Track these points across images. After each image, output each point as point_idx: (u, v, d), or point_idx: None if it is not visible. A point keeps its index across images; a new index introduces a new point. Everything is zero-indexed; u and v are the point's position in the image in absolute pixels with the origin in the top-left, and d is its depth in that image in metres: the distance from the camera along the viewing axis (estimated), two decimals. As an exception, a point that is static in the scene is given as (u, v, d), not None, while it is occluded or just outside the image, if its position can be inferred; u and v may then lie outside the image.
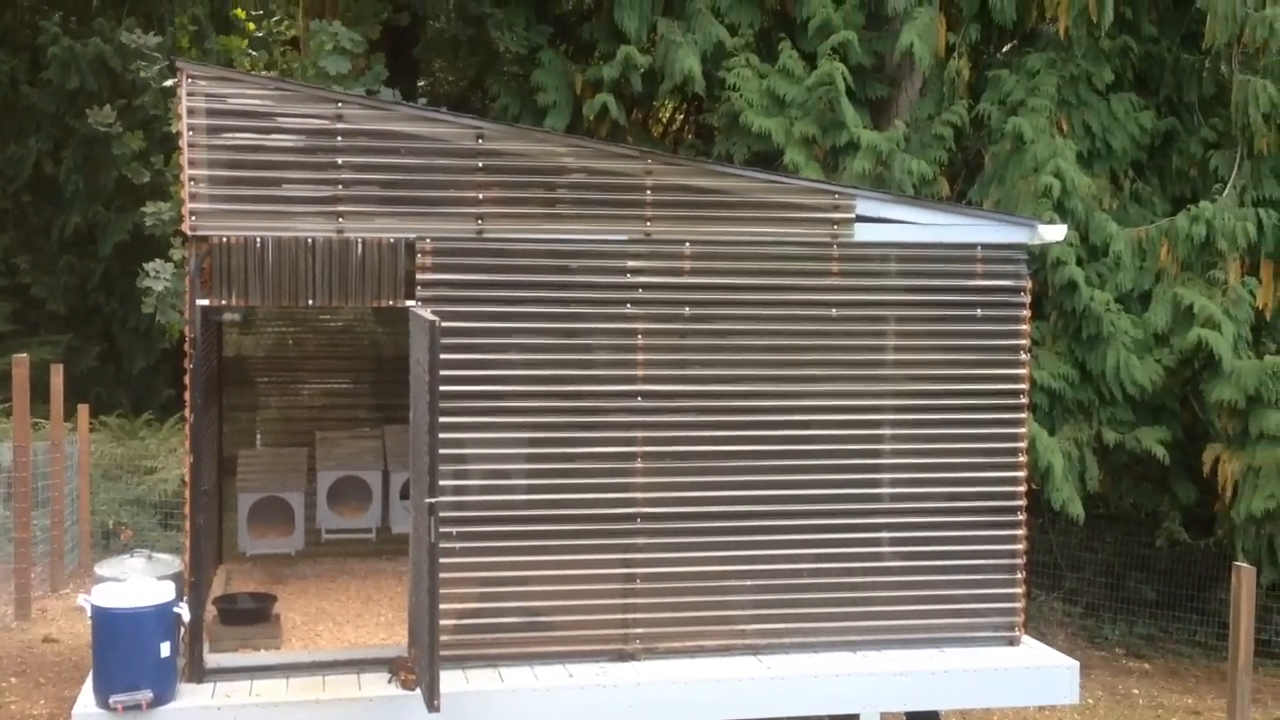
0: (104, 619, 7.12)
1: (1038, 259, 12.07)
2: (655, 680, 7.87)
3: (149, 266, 12.84)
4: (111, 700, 7.03)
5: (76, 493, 12.41)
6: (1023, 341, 8.65)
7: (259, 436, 10.52)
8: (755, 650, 8.26)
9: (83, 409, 12.79)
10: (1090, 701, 11.35)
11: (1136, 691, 12.10)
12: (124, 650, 7.05)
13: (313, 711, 7.33)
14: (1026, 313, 8.64)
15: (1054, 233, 8.62)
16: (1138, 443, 12.84)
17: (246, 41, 19.79)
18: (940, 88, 13.95)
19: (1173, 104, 14.53)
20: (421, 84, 19.26)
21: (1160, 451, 12.75)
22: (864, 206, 8.41)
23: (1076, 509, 12.38)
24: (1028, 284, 8.64)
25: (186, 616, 7.34)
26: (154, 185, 16.73)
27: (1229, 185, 13.45)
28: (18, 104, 18.23)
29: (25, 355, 10.58)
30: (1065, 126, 13.64)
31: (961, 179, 14.33)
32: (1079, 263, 12.67)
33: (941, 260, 8.51)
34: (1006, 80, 13.64)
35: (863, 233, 8.38)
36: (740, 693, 7.94)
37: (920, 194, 12.53)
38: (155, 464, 14.31)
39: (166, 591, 7.28)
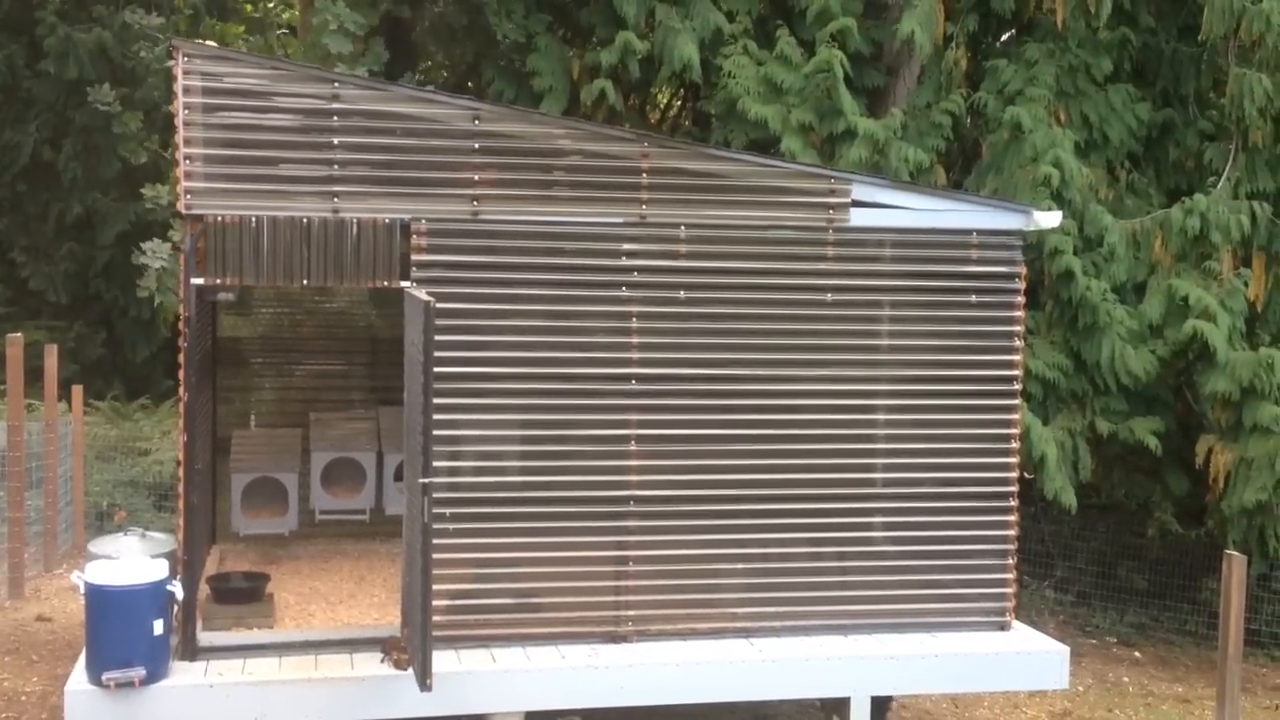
0: (97, 596, 7.13)
1: (1034, 248, 12.08)
2: (647, 662, 7.90)
3: (146, 245, 12.85)
4: (104, 677, 7.03)
5: (71, 474, 12.40)
6: (1017, 328, 8.67)
7: (253, 417, 10.52)
8: (747, 633, 8.29)
9: (77, 390, 12.78)
10: (1080, 689, 11.37)
11: (1127, 679, 12.13)
12: (117, 627, 7.06)
13: (305, 690, 7.35)
14: (1021, 299, 8.66)
15: (1049, 219, 8.64)
16: (1131, 433, 12.85)
17: (244, 27, 19.78)
18: (938, 76, 13.96)
19: (1169, 96, 14.54)
20: (421, 69, 19.21)
21: (1153, 442, 12.77)
22: (860, 191, 8.43)
23: (1069, 498, 12.41)
24: (1023, 270, 8.66)
25: (180, 594, 7.36)
26: (153, 169, 16.74)
27: (1223, 178, 13.46)
28: (16, 91, 18.17)
29: (19, 335, 10.55)
30: (1063, 117, 13.65)
31: (958, 168, 14.33)
32: (1076, 252, 12.68)
33: (937, 246, 8.53)
34: (1004, 70, 13.66)
35: (858, 218, 8.40)
36: (731, 675, 7.97)
37: (916, 182, 12.53)
38: (149, 446, 14.32)
39: (160, 569, 7.29)
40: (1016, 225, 8.61)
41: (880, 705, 8.37)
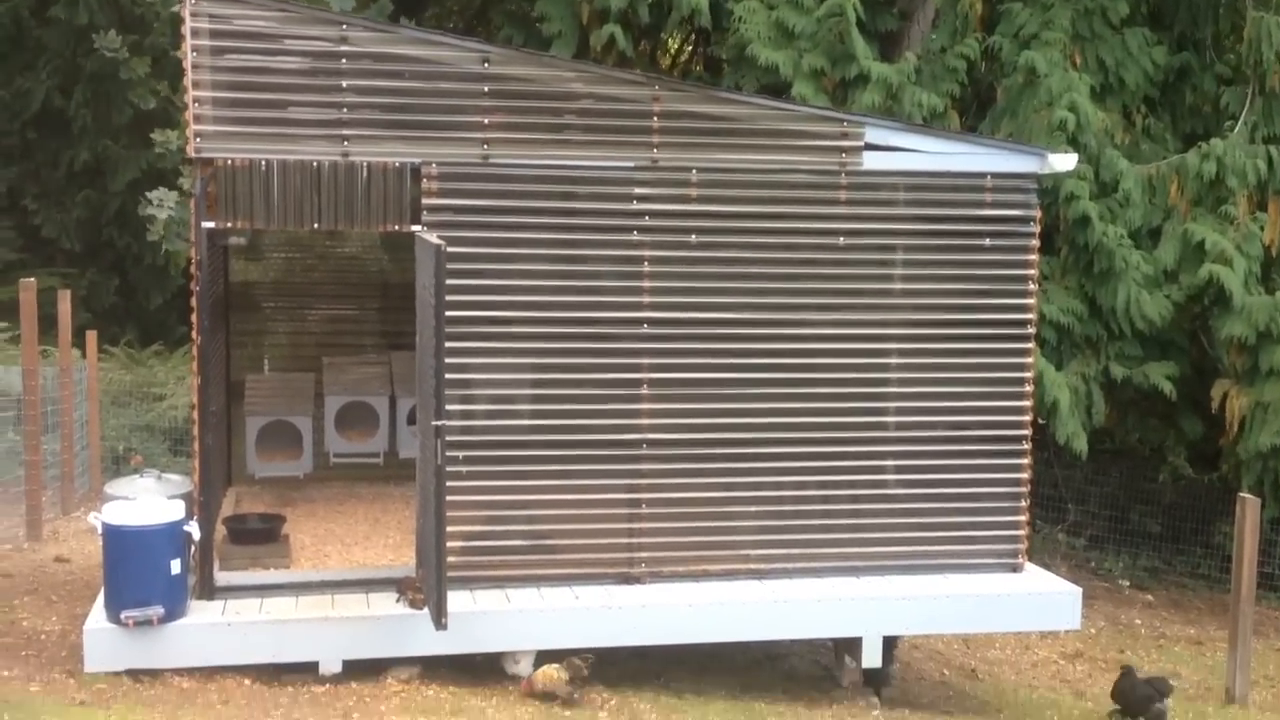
0: (115, 536, 7.21)
1: (1049, 193, 12.02)
2: (660, 603, 7.96)
3: (152, 195, 12.84)
4: (123, 615, 7.12)
5: (86, 418, 12.47)
6: (1031, 272, 8.64)
7: (266, 362, 10.57)
8: (759, 574, 8.33)
9: (91, 335, 12.81)
10: (1092, 631, 11.44)
11: (1139, 622, 12.19)
12: (135, 567, 7.14)
13: (322, 629, 7.43)
14: (1035, 243, 8.62)
15: (1064, 162, 8.58)
16: (1145, 378, 12.85)
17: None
18: (953, 20, 13.83)
19: (1186, 39, 14.40)
20: (429, 14, 19.08)
21: (1167, 387, 12.77)
22: (873, 135, 8.38)
23: (1081, 445, 12.41)
24: (1037, 214, 8.62)
25: (196, 535, 7.42)
26: (164, 116, 16.69)
27: (1240, 122, 13.36)
28: (25, 38, 18.08)
29: (33, 280, 10.57)
30: (1078, 60, 13.52)
31: (972, 113, 14.22)
32: (1091, 197, 12.62)
33: (950, 189, 8.49)
34: (1020, 13, 13.52)
35: (871, 161, 8.36)
36: (744, 616, 8.03)
37: (930, 126, 12.45)
38: (164, 391, 14.37)
39: (176, 510, 7.36)
40: (1031, 168, 8.55)
41: (887, 643, 8.44)
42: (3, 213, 18.18)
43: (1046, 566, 9.61)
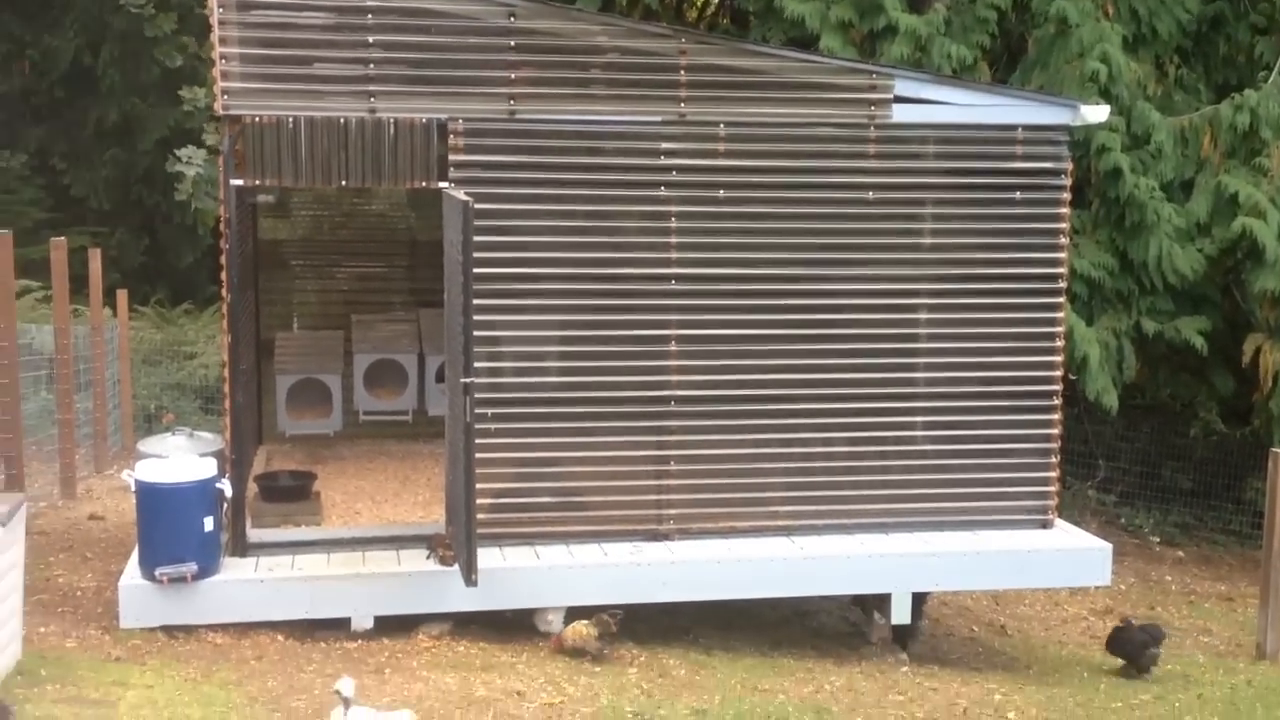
0: (148, 493, 7.27)
1: (1080, 145, 11.87)
2: (688, 559, 7.98)
3: (180, 153, 12.85)
4: (157, 572, 7.20)
5: (118, 377, 12.56)
6: (1062, 226, 8.55)
7: (295, 320, 10.61)
8: (788, 531, 8.33)
9: (122, 294, 12.89)
10: (1123, 587, 11.40)
11: (1169, 578, 12.15)
12: (168, 524, 7.20)
13: (354, 585, 7.49)
14: (1066, 196, 8.53)
15: (1097, 113, 8.47)
16: (1177, 333, 12.72)
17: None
18: (984, -30, 13.60)
19: (1219, -12, 14.15)
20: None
21: (1199, 341, 12.64)
22: (902, 87, 8.29)
23: (1111, 400, 12.31)
24: (1069, 166, 8.52)
25: (229, 492, 7.47)
26: (191, 74, 16.70)
27: (1275, 72, 13.12)
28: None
29: (63, 239, 10.63)
30: (1110, 10, 13.30)
31: (1003, 65, 14.02)
32: (1123, 150, 12.46)
33: (981, 142, 8.41)
34: (1051, -39, 13.29)
35: (901, 114, 8.27)
36: (772, 572, 8.04)
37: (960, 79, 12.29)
38: (195, 350, 14.46)
39: (209, 467, 7.41)
40: (1063, 120, 8.45)
41: (916, 600, 8.44)
42: (32, 172, 18.26)
43: (1076, 523, 9.58)
